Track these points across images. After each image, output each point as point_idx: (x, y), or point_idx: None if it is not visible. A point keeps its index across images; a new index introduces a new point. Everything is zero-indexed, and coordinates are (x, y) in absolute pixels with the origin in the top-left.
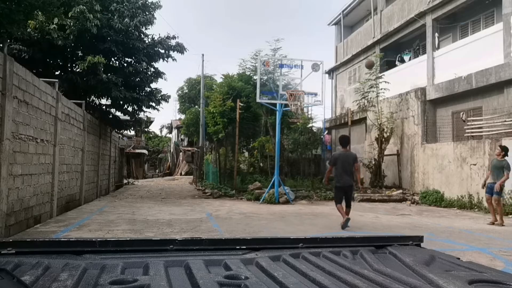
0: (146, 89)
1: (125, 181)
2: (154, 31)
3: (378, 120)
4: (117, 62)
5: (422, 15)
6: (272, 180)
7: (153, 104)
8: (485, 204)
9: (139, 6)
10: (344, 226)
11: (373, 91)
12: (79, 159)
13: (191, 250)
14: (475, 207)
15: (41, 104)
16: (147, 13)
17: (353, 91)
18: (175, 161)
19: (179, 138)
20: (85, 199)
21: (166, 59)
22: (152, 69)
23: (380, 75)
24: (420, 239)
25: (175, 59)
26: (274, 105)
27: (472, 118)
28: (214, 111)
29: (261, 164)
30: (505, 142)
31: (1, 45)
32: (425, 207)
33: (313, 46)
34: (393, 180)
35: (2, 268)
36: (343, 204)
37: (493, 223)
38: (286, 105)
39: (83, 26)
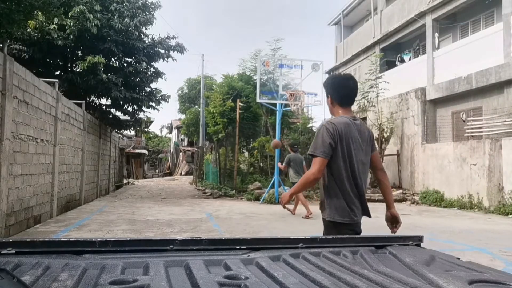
0: (146, 89)
1: (125, 181)
2: (154, 31)
3: (378, 120)
4: (117, 62)
5: (422, 15)
6: (272, 180)
7: (153, 104)
8: (485, 204)
9: (139, 6)
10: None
11: (373, 91)
12: (79, 159)
13: (191, 250)
14: (475, 207)
15: (41, 104)
16: (147, 13)
17: None
18: (175, 161)
19: (179, 138)
20: (85, 199)
21: (166, 59)
22: (152, 69)
23: (380, 75)
24: (420, 239)
25: (175, 59)
26: (274, 105)
27: (472, 118)
28: (214, 111)
29: (261, 164)
30: (505, 142)
31: (1, 45)
32: (425, 207)
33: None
34: (393, 180)
35: (2, 268)
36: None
37: (307, 216)
38: (286, 105)
39: (83, 26)
